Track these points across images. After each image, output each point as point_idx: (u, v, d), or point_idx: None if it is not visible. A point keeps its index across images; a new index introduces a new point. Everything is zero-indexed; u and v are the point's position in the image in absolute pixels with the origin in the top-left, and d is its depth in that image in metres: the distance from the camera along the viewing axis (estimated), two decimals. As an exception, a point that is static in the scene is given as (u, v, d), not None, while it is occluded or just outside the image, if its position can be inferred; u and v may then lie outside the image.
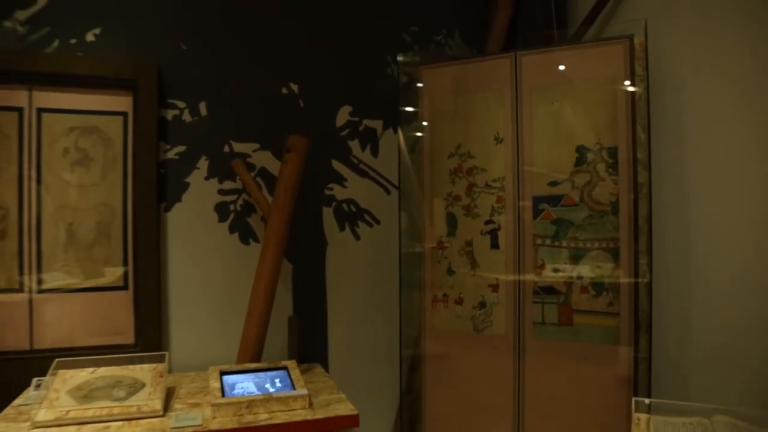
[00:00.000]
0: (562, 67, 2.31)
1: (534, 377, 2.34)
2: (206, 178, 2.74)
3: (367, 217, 2.95)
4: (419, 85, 2.63)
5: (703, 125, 2.28)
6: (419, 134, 2.65)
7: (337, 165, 2.92)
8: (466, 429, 2.48)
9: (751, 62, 2.11)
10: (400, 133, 2.71)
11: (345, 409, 2.08)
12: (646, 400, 1.69)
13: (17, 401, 2.11)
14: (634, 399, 1.69)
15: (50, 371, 2.11)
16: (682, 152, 2.36)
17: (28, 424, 1.88)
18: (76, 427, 1.86)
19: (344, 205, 2.92)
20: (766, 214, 2.05)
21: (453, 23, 3.10)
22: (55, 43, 2.54)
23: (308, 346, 2.80)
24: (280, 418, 1.99)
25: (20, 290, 2.51)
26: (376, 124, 2.95)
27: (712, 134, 2.24)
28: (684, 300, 2.35)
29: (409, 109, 2.66)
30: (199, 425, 1.90)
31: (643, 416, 1.65)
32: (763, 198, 2.09)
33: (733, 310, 2.18)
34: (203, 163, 2.74)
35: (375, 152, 2.96)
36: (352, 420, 2.05)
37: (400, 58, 2.74)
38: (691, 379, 2.34)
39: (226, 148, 2.77)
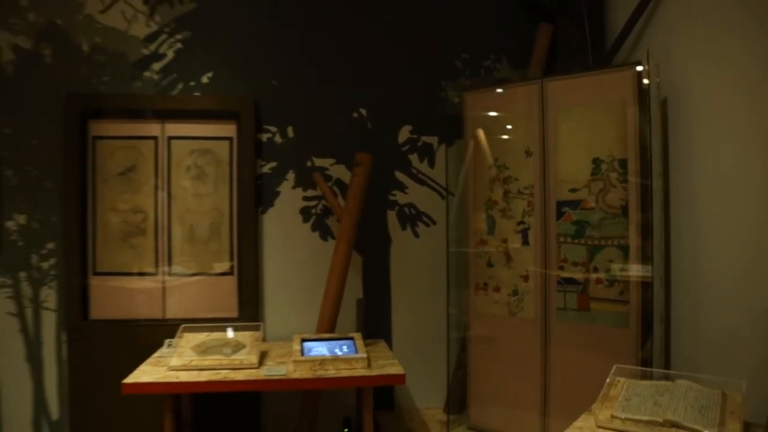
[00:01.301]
0: (580, 91, 2.72)
1: (557, 354, 2.76)
2: (293, 188, 3.41)
3: (424, 218, 3.49)
4: (463, 107, 3.12)
5: (714, 134, 2.54)
6: (464, 149, 3.14)
7: (399, 175, 3.48)
8: (503, 396, 2.95)
9: (760, 75, 2.34)
10: (447, 149, 3.22)
11: (395, 369, 2.65)
12: (626, 367, 2.10)
13: (155, 354, 2.87)
14: (615, 366, 2.10)
15: (178, 334, 2.85)
16: (694, 159, 2.67)
17: (165, 368, 2.60)
18: (197, 371, 2.56)
19: (405, 209, 3.48)
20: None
21: (500, 49, 3.56)
22: (180, 86, 3.32)
23: (375, 325, 3.39)
24: (344, 373, 2.58)
25: (155, 274, 3.31)
26: (432, 140, 3.49)
27: (722, 142, 2.49)
28: (695, 293, 2.64)
29: (456, 128, 3.16)
30: (284, 375, 2.54)
31: (622, 379, 2.06)
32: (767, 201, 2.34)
33: (740, 303, 2.45)
34: (291, 176, 3.41)
35: (431, 164, 3.49)
36: (400, 378, 2.61)
37: (447, 85, 3.25)
38: (701, 366, 2.63)
39: (309, 163, 3.42)
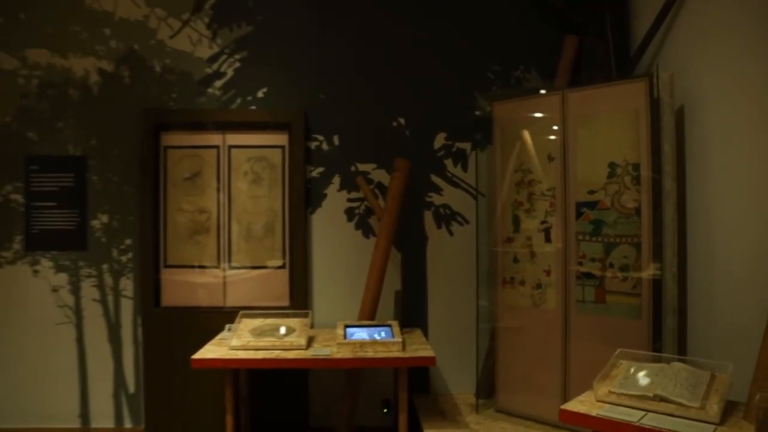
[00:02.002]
0: (596, 101, 2.96)
1: (577, 343, 3.00)
2: (338, 190, 3.78)
3: (458, 218, 3.79)
4: (492, 116, 3.40)
5: (726, 139, 2.71)
6: (493, 154, 3.42)
7: (435, 178, 3.79)
8: (527, 382, 3.21)
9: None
10: (477, 154, 3.50)
11: (426, 352, 2.97)
12: (629, 351, 2.35)
13: (218, 337, 3.29)
14: (619, 350, 2.35)
15: (237, 319, 3.25)
16: (708, 163, 2.86)
17: (226, 348, 3.01)
18: (254, 351, 2.96)
19: (440, 209, 3.79)
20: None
21: (529, 60, 3.81)
22: (238, 101, 3.74)
23: (412, 316, 3.71)
24: (381, 354, 2.92)
25: (217, 267, 3.74)
26: (465, 146, 3.78)
27: (734, 147, 2.64)
28: (709, 287, 2.83)
29: (485, 135, 3.45)
30: (328, 355, 2.90)
31: (624, 361, 2.31)
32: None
33: (751, 296, 2.61)
34: (336, 179, 3.78)
35: (465, 167, 3.79)
36: (430, 360, 2.93)
37: (479, 96, 3.54)
38: (715, 353, 2.82)
39: (353, 168, 3.77)
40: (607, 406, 2.06)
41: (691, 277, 2.94)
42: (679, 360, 2.23)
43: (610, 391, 2.11)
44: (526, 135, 3.21)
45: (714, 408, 1.90)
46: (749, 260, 2.53)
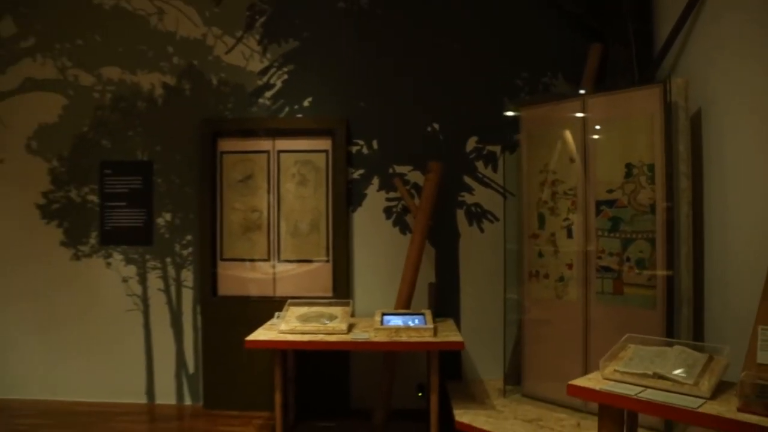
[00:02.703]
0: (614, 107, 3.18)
1: (596, 332, 3.23)
2: (377, 191, 4.10)
3: (489, 216, 4.05)
4: (520, 120, 3.65)
5: (740, 140, 2.88)
6: (521, 156, 3.67)
7: (467, 179, 4.07)
8: (551, 369, 3.44)
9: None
10: (504, 156, 3.76)
11: (455, 338, 3.26)
12: (636, 336, 2.57)
13: (268, 323, 3.67)
14: (627, 335, 2.58)
15: (285, 307, 3.62)
16: (723, 162, 3.03)
17: (276, 331, 3.37)
18: (300, 334, 3.31)
19: (472, 208, 4.06)
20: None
21: (557, 67, 4.04)
22: (286, 110, 4.12)
23: (445, 306, 4.00)
24: (414, 339, 3.23)
25: (268, 261, 4.12)
26: (495, 149, 4.04)
27: (748, 147, 2.80)
28: (724, 278, 3.01)
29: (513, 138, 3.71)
30: (367, 338, 3.23)
31: (632, 345, 2.54)
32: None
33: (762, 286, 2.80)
34: (375, 181, 4.10)
35: (495, 169, 4.05)
36: (459, 344, 3.22)
37: (507, 101, 3.79)
38: (729, 339, 2.98)
39: (390, 170, 4.09)
40: (612, 382, 2.29)
41: (708, 270, 3.12)
42: (682, 344, 2.45)
43: (615, 370, 2.35)
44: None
45: (706, 384, 2.12)
46: (762, 252, 2.69)
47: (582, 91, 3.50)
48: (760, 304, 2.16)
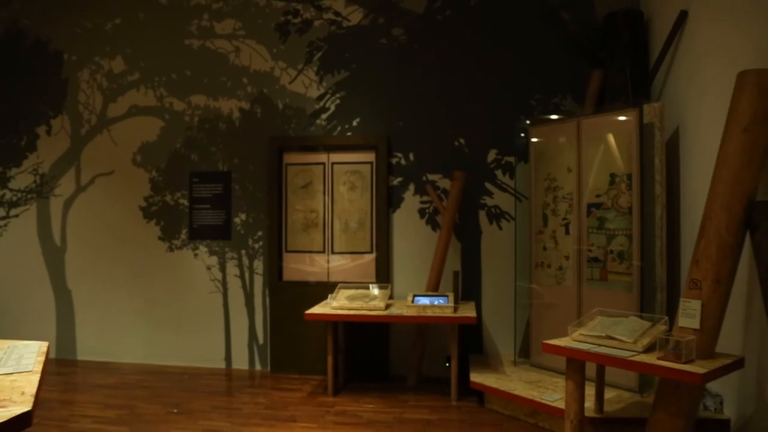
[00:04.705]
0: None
1: (587, 311, 3.91)
2: (413, 195, 4.92)
3: (506, 216, 4.80)
4: (529, 136, 4.39)
5: (707, 156, 3.52)
6: (530, 167, 4.41)
7: (488, 185, 4.83)
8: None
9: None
10: (516, 165, 4.51)
11: (470, 313, 4.05)
12: (604, 310, 3.28)
13: (322, 302, 4.55)
14: (596, 309, 3.29)
15: (336, 290, 4.50)
16: (694, 172, 3.69)
17: (329, 308, 4.26)
18: (347, 310, 4.18)
19: (492, 209, 4.82)
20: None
21: (566, 89, 4.74)
22: (338, 129, 5.01)
23: (469, 291, 4.78)
24: (438, 314, 4.05)
25: (323, 252, 5.03)
26: (512, 159, 4.78)
27: (712, 162, 3.46)
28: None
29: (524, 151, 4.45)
30: (400, 313, 4.07)
31: (599, 316, 3.24)
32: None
33: None
34: (411, 186, 4.93)
35: (512, 176, 4.79)
36: (472, 319, 4.01)
37: (521, 120, 4.54)
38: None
39: (424, 178, 4.91)
40: (575, 342, 3.03)
41: (683, 262, 3.78)
42: (636, 315, 3.15)
43: (580, 333, 3.08)
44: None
45: (642, 343, 2.83)
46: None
47: (577, 114, 4.21)
48: (684, 284, 2.85)
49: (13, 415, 1.52)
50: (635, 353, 2.78)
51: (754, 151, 2.69)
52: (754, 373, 2.95)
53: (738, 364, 2.75)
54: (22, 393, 1.73)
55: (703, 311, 2.69)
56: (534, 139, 4.37)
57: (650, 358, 2.69)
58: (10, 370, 1.98)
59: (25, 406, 1.61)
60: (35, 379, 1.91)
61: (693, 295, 2.74)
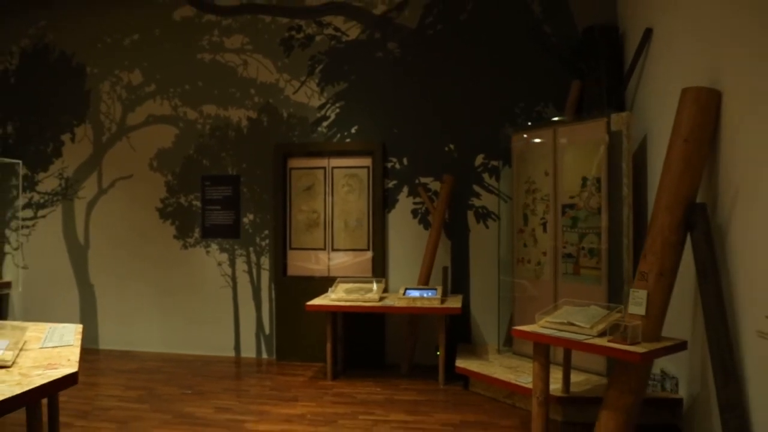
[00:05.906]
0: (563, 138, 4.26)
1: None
2: (406, 197, 5.33)
3: (492, 216, 5.19)
4: (511, 142, 4.77)
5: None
6: (513, 170, 4.79)
7: (475, 187, 5.22)
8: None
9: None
10: (501, 169, 4.90)
11: (455, 305, 4.45)
12: (571, 300, 3.66)
13: (323, 295, 4.97)
14: (563, 299, 3.68)
15: (335, 284, 4.92)
16: (655, 180, 4.06)
17: (328, 300, 4.69)
18: (345, 301, 4.60)
19: (479, 210, 5.22)
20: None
21: (548, 98, 5.12)
22: (338, 136, 5.43)
23: (458, 286, 5.18)
24: (426, 305, 4.45)
25: (324, 250, 5.45)
26: (497, 163, 5.18)
27: None
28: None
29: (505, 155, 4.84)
30: (392, 304, 4.48)
31: (565, 306, 3.63)
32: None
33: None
34: (405, 189, 5.34)
35: (497, 179, 5.18)
36: (457, 310, 4.42)
37: (505, 127, 4.93)
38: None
39: (417, 181, 5.31)
40: (540, 328, 3.42)
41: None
42: (597, 305, 3.54)
43: (546, 320, 3.47)
44: (544, 153, 4.42)
45: (597, 328, 3.21)
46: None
47: (555, 119, 4.59)
48: (634, 276, 3.23)
49: (65, 374, 1.96)
50: (590, 336, 3.17)
51: (693, 159, 3.07)
52: (699, 358, 3.32)
53: (680, 346, 3.13)
54: (68, 359, 2.17)
55: (648, 300, 3.07)
56: (516, 145, 4.76)
57: (602, 341, 3.08)
58: (56, 344, 2.43)
59: (72, 368, 2.04)
60: (76, 350, 2.35)
61: (640, 285, 3.12)
